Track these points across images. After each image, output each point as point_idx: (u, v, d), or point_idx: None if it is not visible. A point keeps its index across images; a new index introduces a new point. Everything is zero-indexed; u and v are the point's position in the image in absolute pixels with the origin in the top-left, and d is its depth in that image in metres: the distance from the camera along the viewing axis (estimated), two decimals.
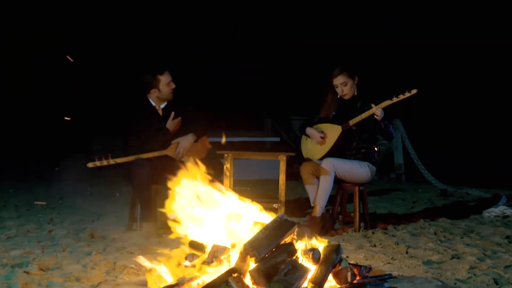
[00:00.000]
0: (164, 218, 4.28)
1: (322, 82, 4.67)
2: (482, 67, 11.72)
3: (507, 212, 5.11)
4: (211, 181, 2.95)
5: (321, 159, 4.40)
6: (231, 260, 2.60)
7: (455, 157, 10.31)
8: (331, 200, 4.45)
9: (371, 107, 4.25)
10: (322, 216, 4.26)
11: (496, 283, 2.92)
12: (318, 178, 4.37)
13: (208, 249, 2.69)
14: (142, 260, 2.75)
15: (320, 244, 2.75)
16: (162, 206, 4.20)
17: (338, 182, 4.44)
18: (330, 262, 2.55)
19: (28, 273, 3.03)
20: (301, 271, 2.44)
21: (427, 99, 9.92)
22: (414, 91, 4.14)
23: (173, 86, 4.38)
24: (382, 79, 9.30)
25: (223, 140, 4.61)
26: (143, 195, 4.17)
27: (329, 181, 4.26)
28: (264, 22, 12.73)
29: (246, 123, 11.56)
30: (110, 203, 5.86)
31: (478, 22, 11.69)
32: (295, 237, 2.68)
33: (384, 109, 4.23)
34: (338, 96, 4.51)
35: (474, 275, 3.06)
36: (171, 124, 4.35)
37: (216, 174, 4.44)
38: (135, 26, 12.20)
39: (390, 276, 2.84)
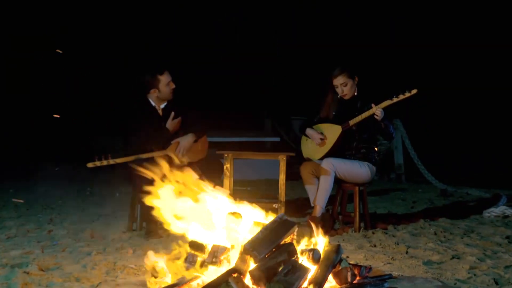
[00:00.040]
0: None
1: (322, 82, 4.67)
2: (482, 67, 11.71)
3: (507, 212, 5.11)
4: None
5: (321, 159, 4.40)
6: (231, 260, 2.59)
7: (455, 157, 10.30)
8: (331, 200, 4.45)
9: (371, 107, 4.25)
10: (322, 216, 4.25)
11: (496, 283, 2.92)
12: (318, 178, 4.37)
13: (208, 249, 2.69)
14: (150, 255, 2.75)
15: (321, 243, 2.75)
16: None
17: (338, 182, 4.44)
18: (330, 262, 2.55)
19: (28, 273, 3.03)
20: (301, 271, 2.44)
21: (427, 99, 9.92)
22: (414, 91, 4.14)
23: (173, 86, 4.38)
24: (382, 79, 9.30)
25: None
26: (143, 195, 4.16)
27: (329, 181, 4.26)
28: (264, 22, 12.74)
29: (246, 123, 11.56)
30: (110, 203, 5.86)
31: (478, 22, 11.69)
32: (295, 237, 2.68)
33: (384, 109, 4.23)
34: (339, 96, 4.51)
35: (474, 275, 3.06)
36: (171, 124, 4.35)
37: (216, 174, 4.45)
38: (135, 26, 12.20)
39: (390, 276, 2.84)
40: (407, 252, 3.65)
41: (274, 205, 4.49)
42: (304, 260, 2.55)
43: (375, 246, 3.84)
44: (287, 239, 2.61)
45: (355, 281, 2.64)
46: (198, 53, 12.32)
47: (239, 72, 12.32)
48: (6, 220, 4.83)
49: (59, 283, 2.90)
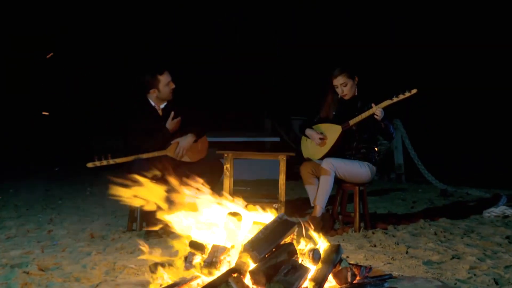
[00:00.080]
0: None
1: (322, 82, 4.67)
2: (482, 67, 11.72)
3: (507, 212, 5.10)
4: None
5: (321, 159, 4.39)
6: (231, 260, 2.59)
7: (455, 157, 10.31)
8: (331, 200, 4.45)
9: (371, 107, 4.25)
10: (322, 216, 4.25)
11: (497, 283, 2.92)
12: (318, 178, 4.37)
13: (209, 249, 2.69)
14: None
15: (321, 243, 2.75)
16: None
17: (338, 182, 4.44)
18: (330, 262, 2.54)
19: (27, 273, 3.03)
20: (301, 271, 2.44)
21: (427, 99, 9.92)
22: (414, 91, 4.14)
23: (173, 86, 4.37)
24: (382, 79, 9.30)
25: None
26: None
27: (329, 181, 4.26)
28: (264, 22, 12.74)
29: (246, 123, 11.56)
30: (110, 203, 5.85)
31: (478, 22, 11.69)
32: (295, 237, 2.68)
33: (384, 109, 4.23)
34: (339, 96, 4.50)
35: (474, 275, 3.06)
36: (171, 124, 4.35)
37: (216, 174, 4.44)
38: (135, 26, 12.20)
39: (390, 276, 2.84)
40: (407, 252, 3.65)
41: (274, 205, 4.49)
42: (304, 260, 2.55)
43: (375, 246, 3.84)
44: (287, 239, 2.61)
45: (355, 281, 2.64)
46: (198, 53, 12.32)
47: (239, 72, 12.32)
48: (6, 220, 4.83)
49: (59, 283, 2.90)
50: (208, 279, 2.51)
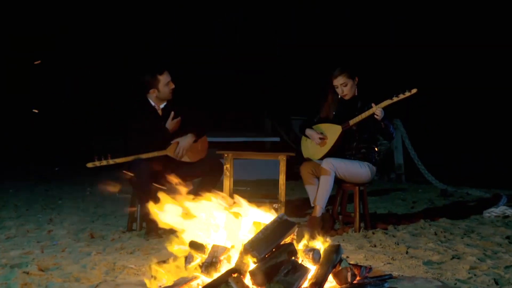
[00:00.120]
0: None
1: (322, 82, 4.66)
2: (482, 67, 11.71)
3: (507, 212, 5.10)
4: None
5: (321, 159, 4.39)
6: (231, 260, 2.59)
7: (455, 157, 10.30)
8: (331, 200, 4.45)
9: (371, 107, 4.25)
10: (322, 216, 4.25)
11: (497, 283, 2.92)
12: (318, 178, 4.37)
13: (208, 249, 2.68)
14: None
15: (320, 244, 2.74)
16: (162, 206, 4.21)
17: (338, 182, 4.43)
18: (330, 262, 2.54)
19: (27, 273, 3.03)
20: (301, 271, 2.43)
21: (427, 99, 9.92)
22: (414, 91, 4.14)
23: (173, 86, 4.37)
24: (382, 79, 9.30)
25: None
26: (143, 195, 4.16)
27: (329, 181, 4.26)
28: (264, 22, 12.73)
29: (246, 123, 11.56)
30: (110, 203, 5.85)
31: (478, 22, 11.69)
32: (295, 237, 2.67)
33: (384, 108, 4.22)
34: (339, 97, 4.50)
35: (475, 275, 3.06)
36: (171, 124, 4.35)
37: (216, 174, 4.44)
38: (135, 26, 12.20)
39: (390, 277, 2.83)
40: (407, 252, 3.65)
41: (274, 205, 4.49)
42: (304, 260, 2.55)
43: (375, 246, 3.83)
44: (287, 239, 2.61)
45: (355, 281, 2.64)
46: (198, 53, 12.32)
47: (239, 72, 12.32)
48: (5, 220, 4.83)
49: (59, 283, 2.90)
50: (208, 279, 2.51)
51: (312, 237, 2.76)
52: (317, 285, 2.42)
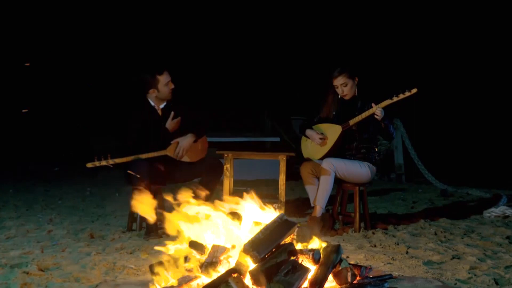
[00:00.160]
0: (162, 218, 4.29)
1: (322, 82, 4.66)
2: (482, 67, 11.71)
3: (507, 212, 5.10)
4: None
5: (321, 159, 4.39)
6: (231, 260, 2.59)
7: (455, 157, 10.30)
8: (331, 200, 4.44)
9: (371, 107, 4.24)
10: (322, 216, 4.25)
11: (497, 283, 2.92)
12: (318, 178, 4.37)
13: (208, 249, 2.68)
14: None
15: (320, 244, 2.74)
16: (162, 206, 4.22)
17: (338, 182, 4.43)
18: (330, 262, 2.54)
19: (27, 273, 3.03)
20: (301, 271, 2.43)
21: (427, 99, 9.91)
22: (414, 90, 4.13)
23: (172, 86, 4.36)
24: (382, 79, 9.30)
25: None
26: (143, 195, 4.16)
27: (329, 181, 4.26)
28: (264, 22, 12.73)
29: (246, 123, 11.56)
30: (110, 203, 5.85)
31: (478, 22, 11.69)
32: (295, 237, 2.67)
33: (384, 108, 4.22)
34: (339, 97, 4.50)
35: (475, 275, 3.06)
36: (171, 124, 4.34)
37: (216, 174, 4.44)
38: (135, 26, 12.20)
39: (390, 277, 2.83)
40: (407, 252, 3.65)
41: (274, 205, 4.48)
42: (304, 260, 2.55)
43: (375, 246, 3.83)
44: (287, 239, 2.61)
45: (355, 281, 2.64)
46: (198, 53, 12.32)
47: (239, 72, 12.32)
48: (5, 220, 4.82)
49: (59, 283, 2.90)
50: (208, 279, 2.50)
51: (312, 237, 2.76)
52: (317, 285, 2.42)
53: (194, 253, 2.71)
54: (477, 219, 4.98)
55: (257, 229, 2.60)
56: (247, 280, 2.42)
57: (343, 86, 4.42)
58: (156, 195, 4.33)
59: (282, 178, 4.56)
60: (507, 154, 9.86)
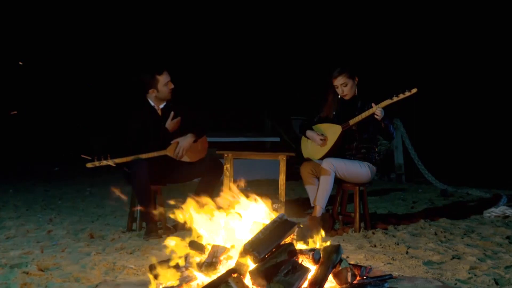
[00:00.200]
0: (162, 218, 4.30)
1: (322, 82, 4.66)
2: (482, 67, 11.72)
3: (507, 212, 5.10)
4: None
5: (321, 159, 4.39)
6: (231, 260, 2.59)
7: (455, 157, 10.30)
8: (331, 200, 4.44)
9: (371, 107, 4.24)
10: (322, 216, 4.25)
11: (497, 283, 2.92)
12: (318, 178, 4.37)
13: (208, 249, 2.68)
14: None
15: (320, 244, 2.74)
16: (162, 205, 4.22)
17: (338, 182, 4.43)
18: (330, 262, 2.54)
19: (27, 273, 3.03)
20: (301, 271, 2.43)
21: (427, 99, 9.92)
22: (414, 90, 4.13)
23: (172, 86, 4.36)
24: (382, 79, 9.30)
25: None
26: (143, 195, 4.16)
27: (329, 181, 4.26)
28: (264, 22, 12.73)
29: (246, 123, 11.57)
30: (110, 203, 5.85)
31: (478, 22, 11.69)
32: (295, 237, 2.67)
33: (384, 108, 4.22)
34: (339, 97, 4.50)
35: (475, 275, 3.06)
36: (170, 124, 4.34)
37: (216, 174, 4.44)
38: (135, 26, 12.20)
39: (390, 277, 2.83)
40: (407, 252, 3.64)
41: (274, 205, 4.48)
42: (304, 260, 2.55)
43: (375, 246, 3.83)
44: (287, 239, 2.61)
45: (355, 281, 2.64)
46: (198, 53, 12.32)
47: (239, 72, 12.32)
48: (5, 220, 4.82)
49: (59, 283, 2.90)
50: (208, 280, 2.50)
51: (312, 237, 2.75)
52: (317, 285, 2.42)
53: (194, 253, 2.71)
54: (477, 219, 4.98)
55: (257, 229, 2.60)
56: (247, 280, 2.42)
57: (343, 86, 4.42)
58: (156, 195, 4.35)
59: (282, 178, 4.56)
60: (507, 154, 9.86)
